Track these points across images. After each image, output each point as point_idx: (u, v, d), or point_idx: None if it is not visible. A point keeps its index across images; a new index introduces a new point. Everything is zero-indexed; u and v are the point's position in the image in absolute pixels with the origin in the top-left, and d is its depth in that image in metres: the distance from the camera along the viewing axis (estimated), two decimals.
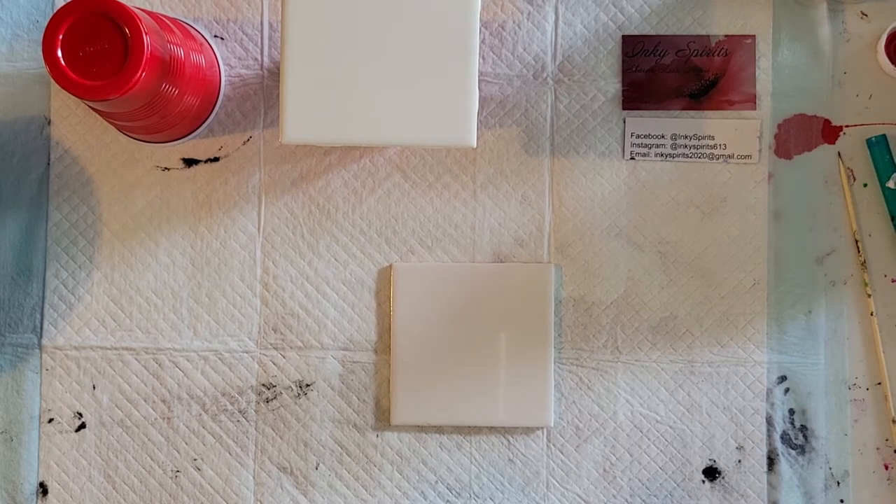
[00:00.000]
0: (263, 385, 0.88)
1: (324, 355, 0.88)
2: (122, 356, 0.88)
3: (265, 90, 0.88)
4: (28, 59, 0.88)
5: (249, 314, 0.88)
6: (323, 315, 0.88)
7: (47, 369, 0.88)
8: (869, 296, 0.86)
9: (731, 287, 0.87)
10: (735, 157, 0.87)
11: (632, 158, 0.87)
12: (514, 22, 0.88)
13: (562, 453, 0.87)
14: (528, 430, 0.87)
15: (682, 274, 0.87)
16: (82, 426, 0.88)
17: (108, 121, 0.87)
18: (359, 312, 0.88)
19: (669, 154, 0.87)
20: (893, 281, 0.87)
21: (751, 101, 0.87)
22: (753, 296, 0.87)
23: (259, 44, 0.88)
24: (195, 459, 0.88)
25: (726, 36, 0.87)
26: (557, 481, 0.87)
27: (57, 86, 0.80)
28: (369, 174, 0.88)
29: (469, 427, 0.87)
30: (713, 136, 0.87)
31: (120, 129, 0.88)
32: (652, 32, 0.87)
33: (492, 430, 0.87)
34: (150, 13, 0.79)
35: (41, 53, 0.75)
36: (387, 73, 0.77)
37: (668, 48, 0.87)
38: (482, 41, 0.87)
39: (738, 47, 0.87)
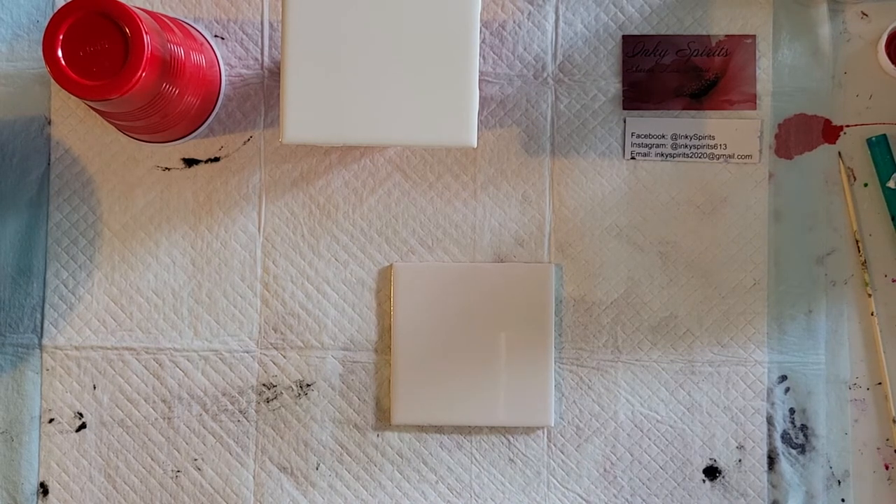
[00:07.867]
0: (264, 385, 0.88)
1: (324, 355, 0.88)
2: (122, 356, 0.88)
3: (265, 90, 0.88)
4: (28, 59, 0.88)
5: (250, 314, 0.88)
6: (323, 315, 0.88)
7: (48, 369, 0.88)
8: (869, 295, 0.86)
9: (731, 287, 0.87)
10: (735, 156, 0.87)
11: (632, 158, 0.87)
12: (514, 22, 0.88)
13: (562, 453, 0.87)
14: (528, 430, 0.87)
15: (683, 274, 0.87)
16: (83, 426, 0.88)
17: (108, 121, 0.87)
18: (359, 312, 0.88)
19: (670, 154, 0.87)
20: (894, 281, 0.87)
21: (751, 101, 0.87)
22: (754, 296, 0.87)
23: (259, 43, 0.88)
24: (195, 459, 0.88)
25: (726, 36, 0.87)
26: (558, 481, 0.87)
27: (57, 86, 0.80)
28: (369, 174, 0.88)
29: (469, 427, 0.87)
30: (713, 136, 0.87)
31: (120, 129, 0.88)
32: (652, 32, 0.87)
33: (492, 429, 0.87)
34: (150, 13, 0.79)
35: (41, 53, 0.75)
36: (387, 73, 0.76)
37: (669, 48, 0.87)
38: (482, 41, 0.87)
39: (738, 47, 0.87)
